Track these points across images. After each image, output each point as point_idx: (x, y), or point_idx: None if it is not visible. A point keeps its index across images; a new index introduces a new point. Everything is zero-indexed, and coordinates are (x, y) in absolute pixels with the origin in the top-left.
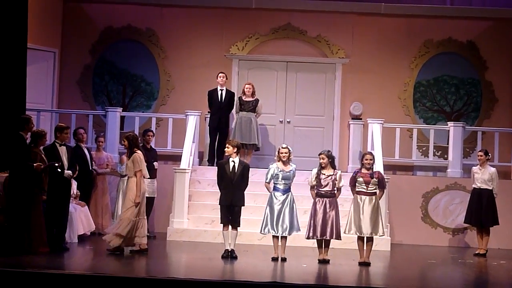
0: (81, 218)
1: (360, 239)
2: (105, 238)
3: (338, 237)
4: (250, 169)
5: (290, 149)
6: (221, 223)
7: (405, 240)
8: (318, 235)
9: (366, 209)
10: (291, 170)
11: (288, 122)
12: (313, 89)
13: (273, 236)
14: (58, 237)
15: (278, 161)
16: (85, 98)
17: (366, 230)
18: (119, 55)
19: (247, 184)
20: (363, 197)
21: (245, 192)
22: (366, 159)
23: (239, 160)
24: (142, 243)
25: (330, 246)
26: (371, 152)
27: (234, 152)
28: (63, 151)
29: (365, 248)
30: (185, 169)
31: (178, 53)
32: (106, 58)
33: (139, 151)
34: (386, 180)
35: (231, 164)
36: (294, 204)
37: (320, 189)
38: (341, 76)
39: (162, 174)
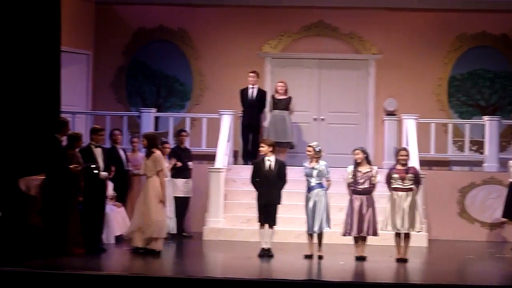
0: (117, 219)
1: (397, 235)
2: (138, 245)
3: (375, 233)
4: (286, 167)
5: (316, 147)
6: (258, 221)
7: (442, 235)
8: (355, 232)
9: (402, 205)
10: (317, 168)
11: (322, 119)
12: (347, 86)
13: (308, 234)
14: (95, 238)
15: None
16: (119, 99)
17: (403, 227)
18: (152, 56)
19: (285, 182)
20: (400, 193)
21: (282, 190)
22: (401, 155)
23: (275, 159)
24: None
25: (366, 243)
26: (405, 148)
27: (270, 151)
28: (98, 152)
29: (402, 244)
30: (220, 169)
31: (211, 53)
32: (139, 59)
33: (158, 151)
34: (421, 175)
35: (267, 162)
36: (325, 201)
37: (357, 187)
38: (375, 72)
39: (197, 174)
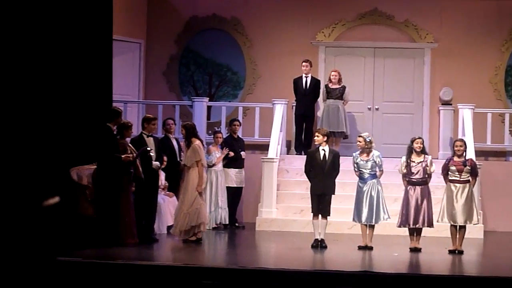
0: (169, 209)
1: (453, 226)
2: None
3: (431, 225)
4: (340, 157)
5: (367, 138)
6: (311, 212)
7: (499, 227)
8: (411, 223)
9: (459, 197)
10: (369, 159)
11: (377, 109)
12: (402, 75)
13: (361, 225)
14: (147, 228)
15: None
16: (171, 88)
17: (460, 219)
18: (204, 45)
19: (338, 172)
20: (457, 185)
21: (335, 180)
22: (457, 146)
23: (329, 148)
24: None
25: (421, 234)
26: (462, 139)
27: (324, 141)
28: (150, 142)
29: (457, 236)
30: (273, 159)
31: (264, 41)
32: (192, 48)
33: (198, 140)
34: (478, 166)
35: (322, 152)
36: (379, 192)
37: (412, 177)
38: (430, 61)
39: (249, 164)
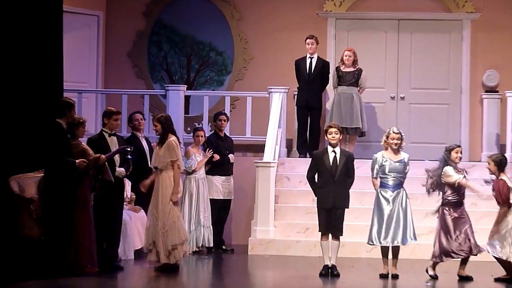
0: (137, 228)
1: None
2: (153, 259)
3: (478, 250)
4: (354, 160)
5: (403, 134)
6: (319, 231)
7: None
8: (454, 254)
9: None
10: (401, 159)
11: (402, 98)
12: (434, 54)
13: (382, 247)
14: (110, 254)
15: (386, 149)
16: (138, 74)
17: None
18: (181, 18)
19: (353, 180)
20: None
21: (350, 190)
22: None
23: (341, 150)
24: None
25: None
26: (493, 155)
27: (339, 139)
28: (113, 142)
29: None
30: (269, 163)
31: (258, 13)
32: (165, 22)
33: (174, 136)
34: None
35: (331, 155)
36: (408, 205)
37: (448, 197)
38: (470, 36)
39: (240, 170)
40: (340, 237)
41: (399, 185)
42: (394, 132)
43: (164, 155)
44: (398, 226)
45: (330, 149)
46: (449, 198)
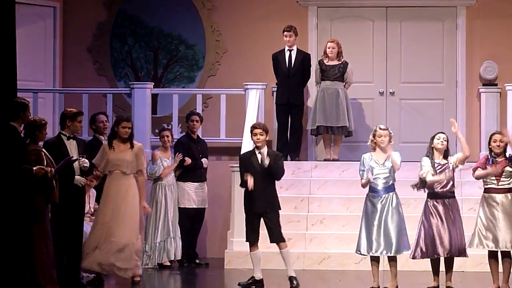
0: None
1: (493, 255)
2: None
3: (463, 253)
4: (340, 162)
5: (391, 131)
6: (246, 240)
7: None
8: (439, 252)
9: (500, 212)
10: (385, 162)
11: (392, 93)
12: (426, 44)
13: (372, 258)
14: (71, 270)
15: (373, 149)
16: (100, 70)
17: (504, 243)
18: (146, 8)
19: (280, 177)
20: (494, 195)
21: (337, 196)
22: (495, 140)
23: (268, 150)
24: (137, 273)
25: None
26: (501, 132)
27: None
28: (72, 146)
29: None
30: None
31: (231, 2)
32: (129, 13)
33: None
34: None
35: (259, 156)
36: (400, 210)
37: (435, 188)
38: (466, 24)
39: (214, 175)
40: (282, 243)
41: (389, 188)
42: (380, 129)
43: (133, 161)
44: (389, 233)
45: (257, 151)
46: (434, 189)
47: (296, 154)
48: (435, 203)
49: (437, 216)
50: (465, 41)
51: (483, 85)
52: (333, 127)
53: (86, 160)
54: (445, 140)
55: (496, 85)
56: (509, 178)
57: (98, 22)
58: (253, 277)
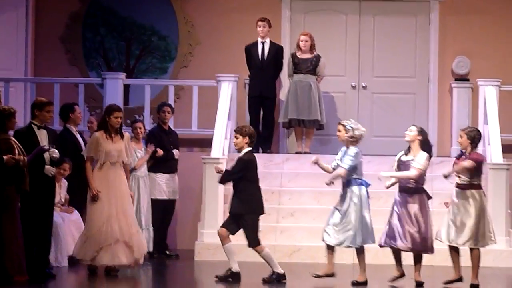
0: (71, 232)
1: (454, 249)
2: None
3: (426, 250)
4: (311, 155)
5: (349, 125)
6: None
7: None
8: (398, 243)
9: (459, 209)
10: (348, 155)
11: (364, 87)
12: (399, 39)
13: (327, 246)
14: (40, 260)
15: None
16: (72, 60)
17: (459, 239)
18: None
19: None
20: (456, 190)
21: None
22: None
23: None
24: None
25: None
26: (466, 128)
27: (246, 143)
28: (43, 136)
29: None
30: (218, 159)
31: None
32: (102, 3)
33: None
34: (502, 167)
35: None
36: (357, 205)
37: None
38: (439, 19)
39: (185, 167)
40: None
41: (346, 183)
42: (338, 124)
43: (122, 150)
44: (346, 226)
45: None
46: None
47: (268, 147)
48: (402, 196)
49: (402, 209)
50: (438, 36)
51: (455, 80)
52: (305, 120)
53: (56, 151)
54: (410, 132)
55: (468, 80)
56: (468, 175)
57: (71, 12)
58: (230, 269)
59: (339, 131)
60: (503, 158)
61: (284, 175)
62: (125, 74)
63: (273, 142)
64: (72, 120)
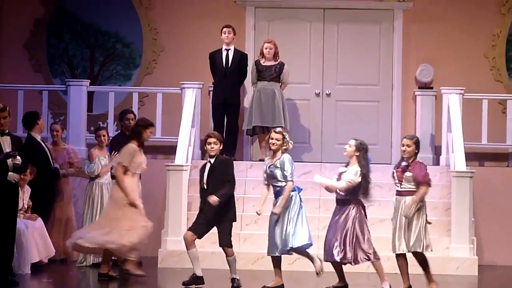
0: (35, 239)
1: (402, 256)
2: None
3: (355, 260)
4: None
5: (286, 135)
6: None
7: (499, 259)
8: (334, 258)
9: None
10: (274, 164)
11: (328, 94)
12: (363, 46)
13: (272, 258)
14: (3, 268)
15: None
16: (36, 67)
17: (400, 246)
18: (84, 5)
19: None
20: (396, 198)
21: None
22: (403, 145)
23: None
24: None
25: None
26: (410, 136)
27: (220, 150)
28: (6, 142)
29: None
30: (182, 166)
31: (169, 1)
32: (66, 9)
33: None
34: (466, 174)
35: (208, 165)
36: (292, 211)
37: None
38: (402, 27)
39: (149, 174)
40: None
41: (277, 193)
42: (274, 131)
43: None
44: (274, 235)
45: (210, 159)
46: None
47: (232, 154)
48: (336, 208)
49: (336, 220)
50: (402, 44)
51: (419, 88)
52: (269, 127)
53: (19, 158)
54: (348, 147)
55: (431, 88)
56: (407, 183)
57: (35, 18)
58: (194, 273)
59: (279, 140)
60: (467, 166)
61: (248, 182)
62: (89, 81)
63: (237, 149)
64: (38, 128)
